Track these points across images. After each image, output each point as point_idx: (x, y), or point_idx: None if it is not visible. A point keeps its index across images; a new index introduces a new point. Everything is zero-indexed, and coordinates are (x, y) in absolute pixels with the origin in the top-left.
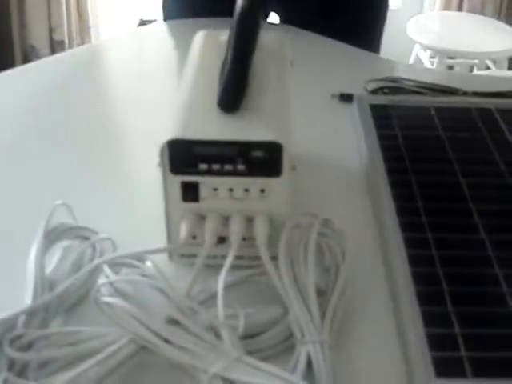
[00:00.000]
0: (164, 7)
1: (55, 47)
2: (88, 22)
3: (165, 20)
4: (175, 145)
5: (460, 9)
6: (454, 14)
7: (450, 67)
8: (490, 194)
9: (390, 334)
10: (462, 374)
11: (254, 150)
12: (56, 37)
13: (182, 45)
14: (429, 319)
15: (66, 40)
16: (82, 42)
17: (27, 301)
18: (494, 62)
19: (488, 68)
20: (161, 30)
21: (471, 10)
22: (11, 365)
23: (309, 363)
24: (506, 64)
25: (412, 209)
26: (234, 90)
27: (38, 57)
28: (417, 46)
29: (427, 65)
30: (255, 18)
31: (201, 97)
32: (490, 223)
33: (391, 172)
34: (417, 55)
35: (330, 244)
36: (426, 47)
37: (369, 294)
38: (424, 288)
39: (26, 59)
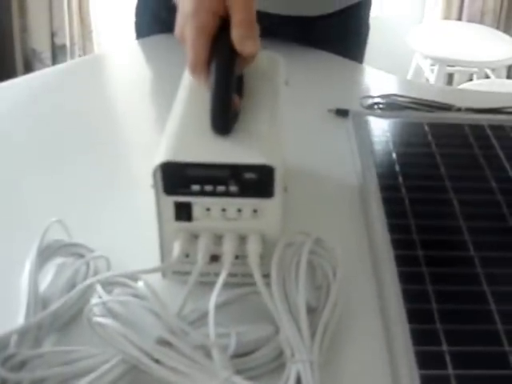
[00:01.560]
0: (136, 26)
1: (57, 51)
2: (90, 27)
3: (137, 39)
4: (168, 167)
5: (460, 18)
6: (453, 23)
7: (450, 75)
8: (479, 210)
9: (380, 351)
10: None
11: (246, 172)
12: (58, 41)
13: (159, 60)
14: (418, 337)
15: (68, 44)
16: (84, 47)
17: (20, 320)
18: (493, 70)
19: (487, 76)
20: (134, 48)
21: (471, 19)
22: None
23: (299, 382)
24: (504, 72)
25: (404, 226)
26: (224, 113)
27: (40, 60)
28: (417, 55)
29: (427, 73)
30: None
31: (193, 119)
32: (479, 240)
33: (384, 189)
34: (417, 63)
35: (322, 262)
36: (426, 56)
37: (359, 312)
38: (414, 306)
39: (28, 63)
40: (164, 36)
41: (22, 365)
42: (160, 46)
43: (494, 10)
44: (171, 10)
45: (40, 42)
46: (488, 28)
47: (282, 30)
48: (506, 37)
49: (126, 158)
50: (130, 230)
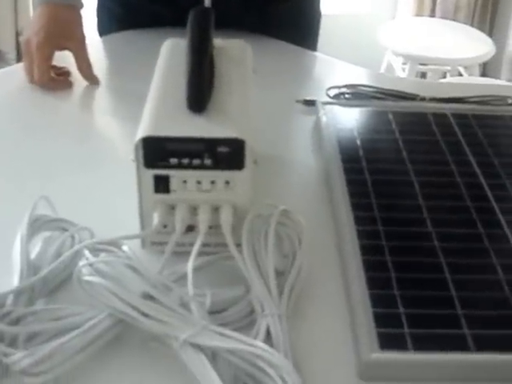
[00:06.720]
0: (97, 24)
1: (22, 52)
2: None
3: (100, 36)
4: (149, 141)
5: (433, 14)
6: (426, 19)
7: (423, 74)
8: (439, 191)
9: (341, 311)
10: (404, 348)
11: (219, 146)
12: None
13: (120, 57)
14: (375, 300)
15: None
16: None
17: (15, 282)
18: (466, 68)
19: (460, 74)
20: (96, 45)
21: (444, 16)
22: (1, 338)
23: (268, 334)
24: (477, 70)
25: (366, 204)
26: (199, 93)
27: (5, 61)
28: (388, 52)
29: (399, 71)
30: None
31: (170, 98)
32: (438, 218)
33: (348, 171)
34: (389, 61)
35: (289, 232)
36: (397, 53)
37: (322, 277)
38: (373, 274)
39: None
40: (124, 33)
41: (17, 320)
42: (121, 43)
43: (468, 6)
44: (126, 7)
45: (5, 42)
46: (461, 25)
47: (240, 18)
48: (479, 34)
49: (105, 138)
50: (112, 204)
